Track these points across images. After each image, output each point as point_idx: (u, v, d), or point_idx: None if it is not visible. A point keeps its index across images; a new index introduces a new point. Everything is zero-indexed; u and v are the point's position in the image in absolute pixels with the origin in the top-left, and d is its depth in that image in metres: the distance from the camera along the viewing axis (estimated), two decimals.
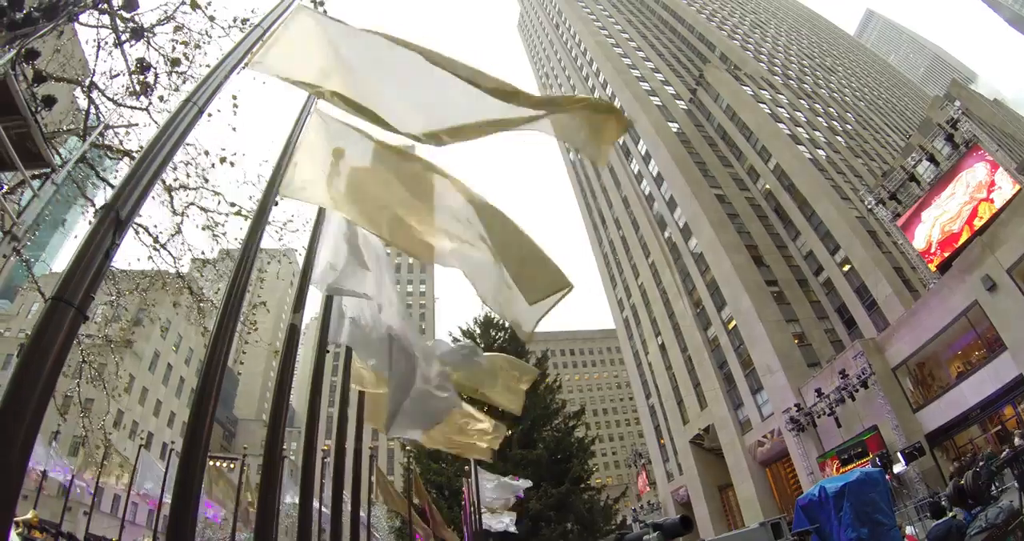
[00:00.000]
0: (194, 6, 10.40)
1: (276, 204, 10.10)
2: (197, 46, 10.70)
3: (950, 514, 13.39)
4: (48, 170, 8.32)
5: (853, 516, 9.24)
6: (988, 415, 30.04)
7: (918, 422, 33.02)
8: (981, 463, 17.14)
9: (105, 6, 9.29)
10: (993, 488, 15.47)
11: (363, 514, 18.99)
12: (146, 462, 21.83)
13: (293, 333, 4.08)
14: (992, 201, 31.92)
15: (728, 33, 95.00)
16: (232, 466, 25.96)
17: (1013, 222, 27.86)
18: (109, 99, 10.47)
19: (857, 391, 35.22)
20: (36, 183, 8.63)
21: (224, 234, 11.98)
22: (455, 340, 33.13)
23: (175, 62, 10.51)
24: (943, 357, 33.16)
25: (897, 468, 31.61)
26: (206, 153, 11.58)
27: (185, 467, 2.88)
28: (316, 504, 16.26)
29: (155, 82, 10.39)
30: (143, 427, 54.53)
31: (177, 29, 10.43)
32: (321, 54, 3.93)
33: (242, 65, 3.60)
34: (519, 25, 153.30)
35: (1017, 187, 29.76)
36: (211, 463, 24.63)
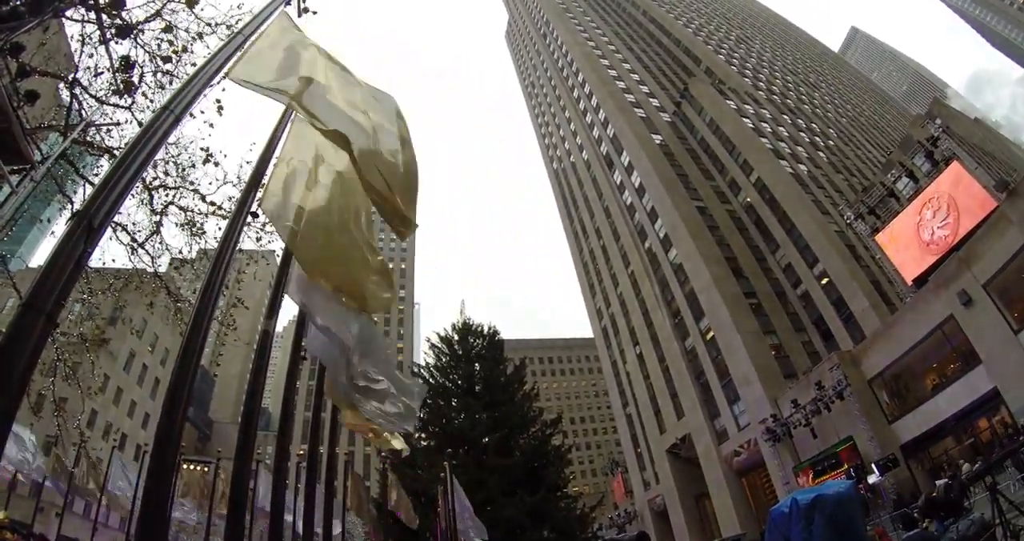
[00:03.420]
0: (190, 4, 10.36)
1: (256, 216, 10.09)
2: (184, 49, 10.64)
3: (922, 525, 13.53)
4: (27, 166, 8.22)
5: (825, 528, 9.29)
6: (963, 427, 30.43)
7: (893, 433, 33.37)
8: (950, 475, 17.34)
9: (92, 2, 9.23)
10: (965, 500, 15.63)
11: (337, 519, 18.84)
12: (118, 465, 21.54)
13: (266, 339, 4.07)
14: (968, 217, 32.35)
15: (714, 47, 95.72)
16: (206, 469, 25.65)
17: (989, 238, 28.27)
18: (92, 96, 10.38)
19: (833, 402, 35.53)
20: (14, 179, 8.54)
21: (203, 233, 11.89)
22: (433, 346, 33.06)
23: (165, 59, 10.45)
24: (918, 370, 33.53)
25: (871, 479, 31.91)
26: (179, 156, 11.50)
27: (156, 468, 2.87)
28: (289, 512, 16.16)
29: (140, 81, 10.33)
30: (117, 428, 53.83)
31: (166, 30, 10.37)
32: (291, 68, 3.96)
33: (221, 74, 3.60)
34: (507, 34, 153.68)
35: (994, 204, 30.17)
36: (184, 466, 24.35)
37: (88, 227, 2.54)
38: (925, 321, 31.76)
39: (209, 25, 10.71)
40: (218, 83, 3.68)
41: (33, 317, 2.24)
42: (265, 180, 4.19)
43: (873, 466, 32.26)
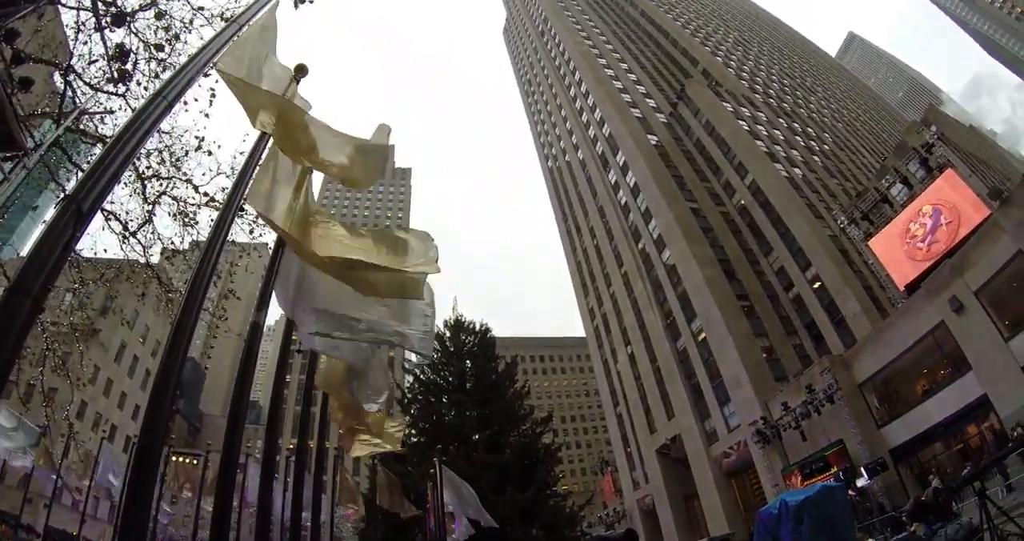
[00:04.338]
0: None
1: (243, 210, 10.04)
2: (176, 37, 10.57)
3: (910, 529, 13.59)
4: (20, 153, 8.14)
5: (813, 530, 9.31)
6: (952, 433, 30.56)
7: (883, 438, 33.50)
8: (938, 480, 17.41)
9: None
10: (954, 505, 15.70)
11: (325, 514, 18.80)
12: (107, 455, 21.48)
13: (256, 331, 4.03)
14: (961, 224, 32.48)
15: (711, 49, 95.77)
16: (195, 462, 25.62)
17: (982, 246, 28.38)
18: (86, 83, 10.31)
19: (823, 406, 35.63)
20: (7, 166, 8.48)
21: (196, 224, 11.82)
22: None
23: (158, 47, 10.38)
24: (909, 375, 33.68)
25: (860, 482, 32.01)
26: (173, 146, 11.42)
27: (142, 460, 2.84)
28: (278, 502, 16.11)
29: (134, 69, 10.25)
30: (107, 419, 53.68)
31: (159, 16, 10.30)
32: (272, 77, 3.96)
33: (213, 63, 3.56)
34: (505, 31, 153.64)
35: (987, 212, 30.29)
36: (175, 459, 24.30)
37: (77, 211, 2.51)
38: (916, 327, 31.87)
39: (201, 9, 10.65)
40: (210, 70, 3.64)
41: (19, 300, 2.21)
42: (255, 172, 4.17)
43: (862, 470, 32.37)
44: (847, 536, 9.84)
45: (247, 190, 4.15)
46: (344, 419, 8.18)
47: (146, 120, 3.04)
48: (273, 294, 4.47)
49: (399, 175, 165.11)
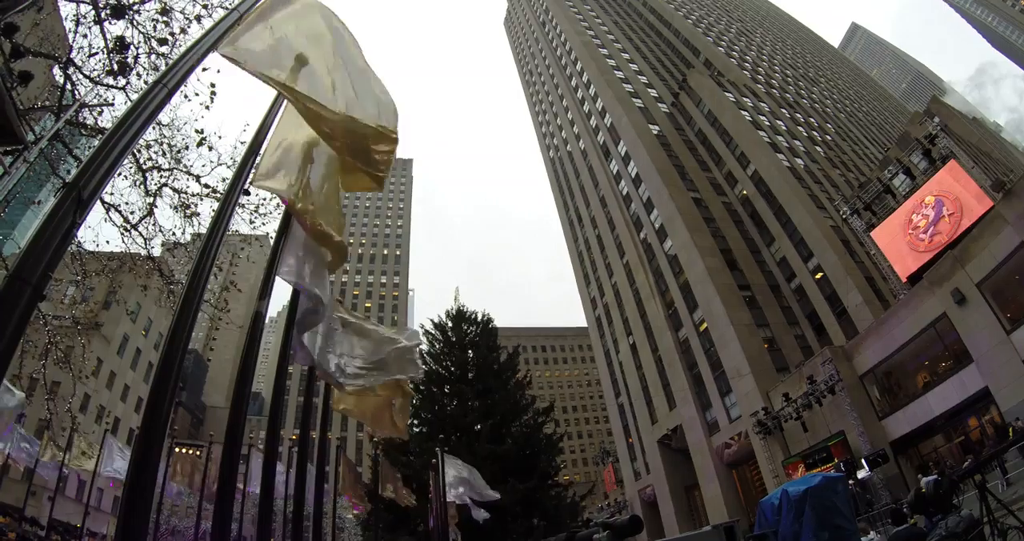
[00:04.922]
0: None
1: (248, 194, 10.03)
2: (183, 30, 10.54)
3: (911, 521, 13.59)
4: (20, 147, 8.13)
5: (814, 520, 9.34)
6: (953, 425, 30.56)
7: (883, 429, 33.51)
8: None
9: None
10: (954, 498, 15.70)
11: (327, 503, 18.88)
12: (111, 447, 21.55)
13: (258, 320, 4.03)
14: (964, 216, 32.40)
15: (714, 39, 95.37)
16: (199, 453, 25.71)
17: (984, 238, 28.29)
18: (86, 77, 10.29)
19: (824, 397, 35.63)
20: (7, 160, 8.47)
21: (197, 215, 11.82)
22: (427, 333, 33.03)
23: (161, 41, 10.36)
24: (910, 367, 33.64)
25: (861, 473, 32.04)
26: (173, 138, 11.40)
27: (142, 452, 2.84)
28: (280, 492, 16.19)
29: (134, 62, 10.23)
30: (110, 411, 53.82)
31: (163, 12, 10.27)
32: (289, 47, 3.92)
33: (215, 49, 3.55)
34: (505, 21, 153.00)
35: (990, 204, 30.20)
36: (178, 450, 24.40)
37: (77, 199, 2.50)
38: (918, 319, 31.83)
39: (205, 7, 10.61)
40: (212, 55, 3.61)
41: (19, 288, 2.20)
42: (259, 159, 4.15)
43: (863, 461, 32.41)
44: (848, 527, 9.87)
45: (252, 174, 4.15)
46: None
47: (147, 107, 3.03)
48: (277, 282, 4.47)
49: (400, 165, 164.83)
